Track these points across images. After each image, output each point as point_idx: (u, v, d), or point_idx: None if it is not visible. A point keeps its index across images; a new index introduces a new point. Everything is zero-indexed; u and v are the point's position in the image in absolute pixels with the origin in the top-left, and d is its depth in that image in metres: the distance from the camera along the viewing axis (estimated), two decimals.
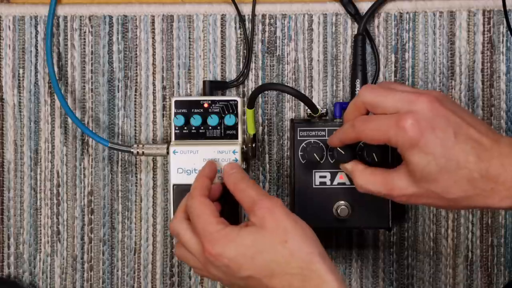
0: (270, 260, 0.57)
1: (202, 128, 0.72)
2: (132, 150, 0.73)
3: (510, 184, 0.54)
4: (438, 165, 0.55)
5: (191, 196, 0.63)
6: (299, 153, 0.70)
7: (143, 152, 0.72)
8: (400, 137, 0.55)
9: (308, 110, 0.67)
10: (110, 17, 0.77)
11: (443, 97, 0.57)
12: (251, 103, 0.65)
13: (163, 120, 0.77)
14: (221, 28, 0.77)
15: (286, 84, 0.76)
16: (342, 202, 0.70)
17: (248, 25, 0.76)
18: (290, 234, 0.57)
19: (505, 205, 0.55)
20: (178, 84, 0.77)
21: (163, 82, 0.77)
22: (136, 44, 0.77)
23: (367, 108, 0.59)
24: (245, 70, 0.76)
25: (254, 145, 0.72)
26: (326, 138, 0.69)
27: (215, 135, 0.72)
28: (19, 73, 0.77)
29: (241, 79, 0.76)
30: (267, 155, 0.77)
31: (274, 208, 0.58)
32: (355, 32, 0.76)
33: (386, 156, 0.66)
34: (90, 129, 0.76)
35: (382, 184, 0.59)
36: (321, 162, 0.69)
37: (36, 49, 0.77)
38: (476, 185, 0.55)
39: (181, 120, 0.71)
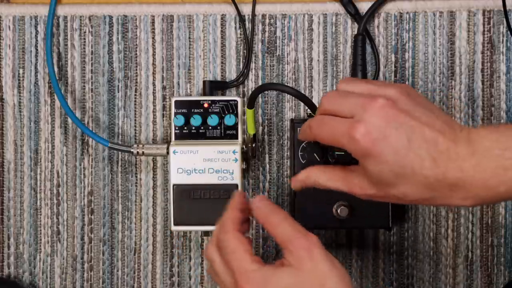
0: None
1: (202, 128, 0.72)
2: (132, 150, 0.73)
3: (470, 187, 0.53)
4: (392, 172, 0.54)
5: (224, 230, 0.61)
6: (299, 153, 0.70)
7: (143, 152, 0.72)
8: (352, 146, 0.55)
9: (308, 110, 0.67)
10: (110, 17, 0.77)
11: (399, 95, 0.56)
12: (251, 103, 0.65)
13: (163, 120, 0.77)
14: (221, 28, 0.77)
15: (286, 84, 0.76)
16: (342, 202, 0.70)
17: (248, 25, 0.76)
18: (327, 279, 0.56)
19: (468, 204, 0.54)
20: (178, 84, 0.77)
21: (163, 82, 0.77)
22: (136, 44, 0.77)
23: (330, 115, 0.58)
24: (245, 70, 0.76)
25: (254, 145, 0.72)
26: None
27: (215, 135, 0.72)
28: (19, 73, 0.77)
29: (241, 79, 0.76)
30: (267, 155, 0.77)
31: (312, 248, 0.57)
32: (355, 32, 0.76)
33: None
34: (90, 129, 0.76)
35: (341, 181, 0.59)
36: (321, 162, 0.69)
37: (36, 49, 0.77)
38: (434, 189, 0.54)
39: (181, 120, 0.71)
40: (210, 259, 0.62)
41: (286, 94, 0.76)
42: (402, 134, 0.54)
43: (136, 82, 0.77)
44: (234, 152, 0.70)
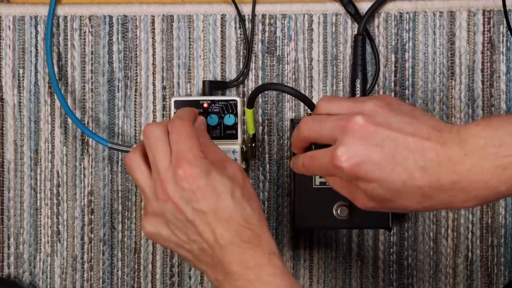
0: (232, 208, 0.57)
1: None
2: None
3: (468, 189, 0.51)
4: (385, 189, 0.53)
5: (180, 117, 0.61)
6: None
7: None
8: (340, 174, 0.54)
9: (308, 110, 0.67)
10: (110, 17, 0.77)
11: (377, 108, 0.54)
12: (251, 103, 0.65)
13: (163, 120, 0.77)
14: (221, 28, 0.77)
15: (286, 84, 0.76)
16: (342, 202, 0.70)
17: (248, 25, 0.76)
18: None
19: (470, 205, 0.53)
20: (178, 84, 0.77)
21: (163, 82, 0.77)
22: (136, 44, 0.77)
23: (311, 141, 0.59)
24: (245, 70, 0.76)
25: (254, 145, 0.72)
26: None
27: (214, 135, 0.72)
28: (19, 73, 0.77)
29: (241, 79, 0.76)
30: (267, 155, 0.77)
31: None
32: (355, 32, 0.76)
33: None
34: (90, 129, 0.76)
35: (346, 190, 0.58)
36: None
37: (36, 49, 0.77)
38: (432, 197, 0.53)
39: None
40: (133, 166, 0.61)
41: (286, 94, 0.76)
42: (384, 149, 0.52)
43: (136, 82, 0.77)
44: (233, 152, 0.70)
